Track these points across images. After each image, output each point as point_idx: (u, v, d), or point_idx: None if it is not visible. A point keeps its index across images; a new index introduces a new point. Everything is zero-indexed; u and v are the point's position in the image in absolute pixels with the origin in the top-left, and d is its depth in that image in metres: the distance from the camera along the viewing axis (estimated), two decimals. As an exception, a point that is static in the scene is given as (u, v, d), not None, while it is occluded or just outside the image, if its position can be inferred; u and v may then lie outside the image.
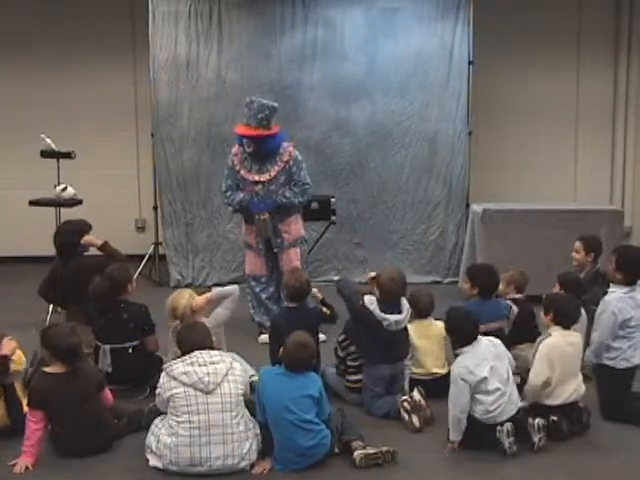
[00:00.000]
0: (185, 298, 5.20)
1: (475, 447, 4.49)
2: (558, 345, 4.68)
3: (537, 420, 4.50)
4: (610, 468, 4.39)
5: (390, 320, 4.93)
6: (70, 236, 6.04)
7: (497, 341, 4.69)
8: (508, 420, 4.47)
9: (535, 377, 4.64)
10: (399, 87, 8.25)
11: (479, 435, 4.48)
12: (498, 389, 4.47)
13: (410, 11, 8.17)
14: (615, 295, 4.93)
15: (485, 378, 4.45)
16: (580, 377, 4.78)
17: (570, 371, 4.70)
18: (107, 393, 4.72)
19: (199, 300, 5.23)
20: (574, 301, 4.91)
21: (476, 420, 4.49)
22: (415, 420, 4.77)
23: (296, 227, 6.52)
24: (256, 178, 6.30)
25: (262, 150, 6.23)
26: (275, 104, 6.29)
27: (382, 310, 4.96)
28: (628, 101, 9.21)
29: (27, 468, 4.33)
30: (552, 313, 4.78)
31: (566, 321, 4.76)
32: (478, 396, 4.47)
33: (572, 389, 4.70)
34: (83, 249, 6.08)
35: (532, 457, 4.46)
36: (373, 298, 5.00)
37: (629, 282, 4.95)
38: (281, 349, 4.50)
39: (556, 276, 5.57)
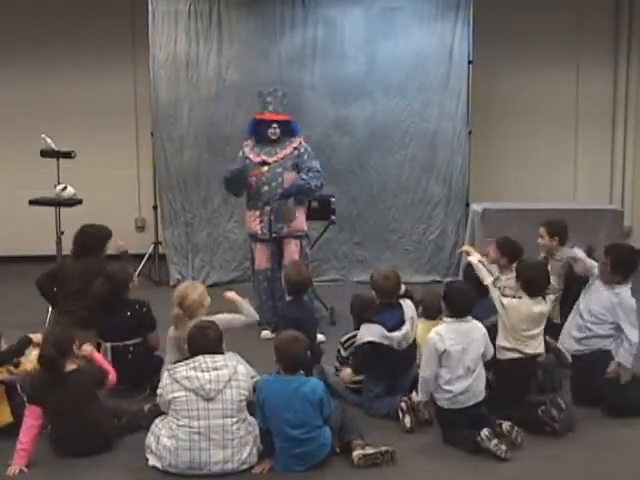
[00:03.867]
0: (197, 293, 5.12)
1: (456, 443, 4.54)
2: None
3: (504, 425, 4.55)
4: (609, 467, 4.40)
5: (393, 339, 4.92)
6: (94, 239, 6.08)
7: (483, 330, 4.74)
8: (471, 410, 4.56)
9: None
10: (399, 87, 8.25)
11: (462, 438, 4.52)
12: (458, 373, 4.57)
13: (410, 11, 8.17)
14: (629, 293, 5.10)
15: (448, 352, 4.55)
16: None
17: None
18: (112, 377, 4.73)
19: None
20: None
21: (444, 410, 4.61)
22: (407, 421, 4.77)
23: (300, 219, 6.61)
24: (263, 158, 6.47)
25: (285, 135, 6.51)
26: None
27: (380, 312, 4.97)
28: (628, 101, 9.20)
29: (21, 471, 4.31)
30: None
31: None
32: (441, 370, 4.58)
33: None
34: (102, 252, 6.11)
35: (529, 456, 4.47)
36: (372, 327, 4.97)
37: (626, 279, 5.12)
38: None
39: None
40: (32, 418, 4.39)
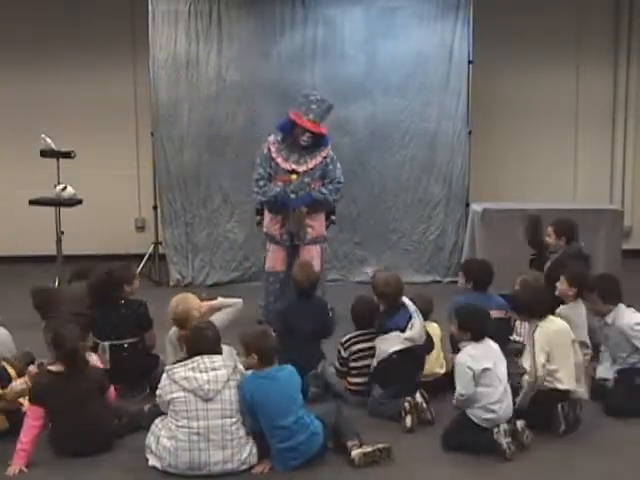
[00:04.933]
0: (196, 309, 5.09)
1: (471, 450, 4.49)
2: None
3: (518, 422, 4.52)
4: (610, 468, 4.39)
5: (414, 338, 4.90)
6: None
7: (496, 346, 4.70)
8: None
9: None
10: (399, 87, 8.25)
11: (475, 437, 4.49)
12: (499, 392, 4.50)
13: (410, 10, 8.18)
14: (624, 312, 5.11)
15: (488, 369, 4.49)
16: None
17: None
18: (111, 391, 4.73)
19: (205, 308, 5.18)
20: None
21: (474, 424, 4.51)
22: (408, 421, 4.76)
23: (320, 225, 6.68)
24: (293, 167, 6.49)
25: (314, 145, 6.52)
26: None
27: (390, 316, 5.00)
28: (628, 101, 9.20)
29: (21, 471, 4.31)
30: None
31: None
32: (480, 389, 4.48)
33: None
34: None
35: (529, 457, 4.46)
36: (389, 337, 4.98)
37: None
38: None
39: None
40: (33, 418, 4.38)
